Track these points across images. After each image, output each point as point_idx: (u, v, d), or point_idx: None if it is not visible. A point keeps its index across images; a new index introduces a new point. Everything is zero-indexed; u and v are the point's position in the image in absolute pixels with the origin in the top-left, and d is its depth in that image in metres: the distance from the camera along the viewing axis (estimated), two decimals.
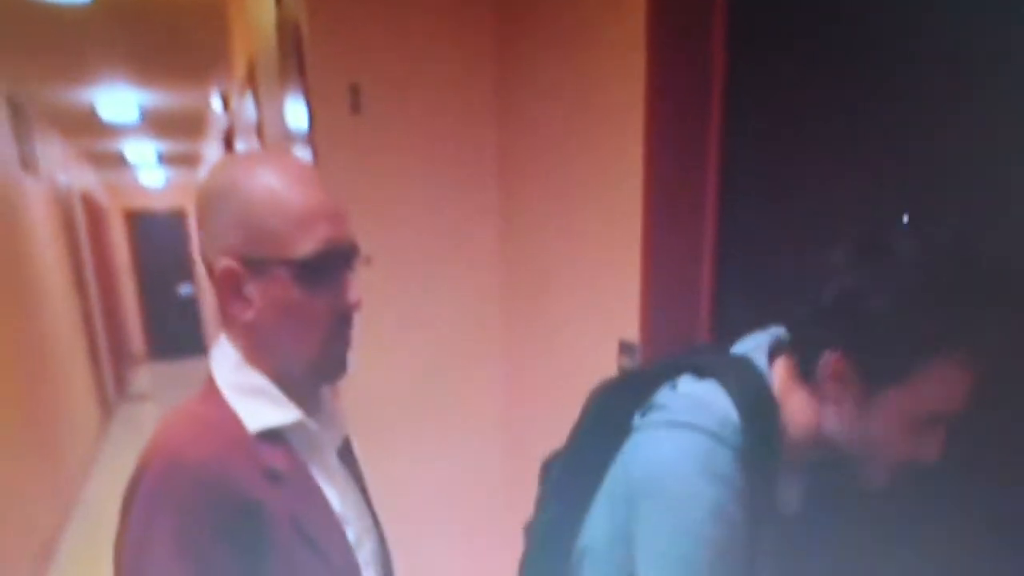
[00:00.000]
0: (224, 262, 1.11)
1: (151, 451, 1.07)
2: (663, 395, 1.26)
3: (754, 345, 1.28)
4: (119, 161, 10.58)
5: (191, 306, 12.91)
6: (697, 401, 1.19)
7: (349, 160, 2.65)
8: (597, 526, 1.32)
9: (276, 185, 1.10)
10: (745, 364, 1.23)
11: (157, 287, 12.75)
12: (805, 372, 1.17)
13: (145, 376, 11.78)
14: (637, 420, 1.27)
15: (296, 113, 2.94)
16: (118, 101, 6.82)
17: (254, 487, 1.08)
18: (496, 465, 3.15)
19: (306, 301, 1.13)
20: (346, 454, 1.36)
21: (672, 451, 1.15)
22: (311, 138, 2.62)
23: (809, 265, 1.57)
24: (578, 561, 1.36)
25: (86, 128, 7.98)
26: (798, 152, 1.76)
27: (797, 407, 1.19)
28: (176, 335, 12.61)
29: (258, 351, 1.17)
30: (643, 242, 1.98)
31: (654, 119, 1.92)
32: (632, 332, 2.07)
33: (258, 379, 1.17)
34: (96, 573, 5.08)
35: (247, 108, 4.36)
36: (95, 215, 10.21)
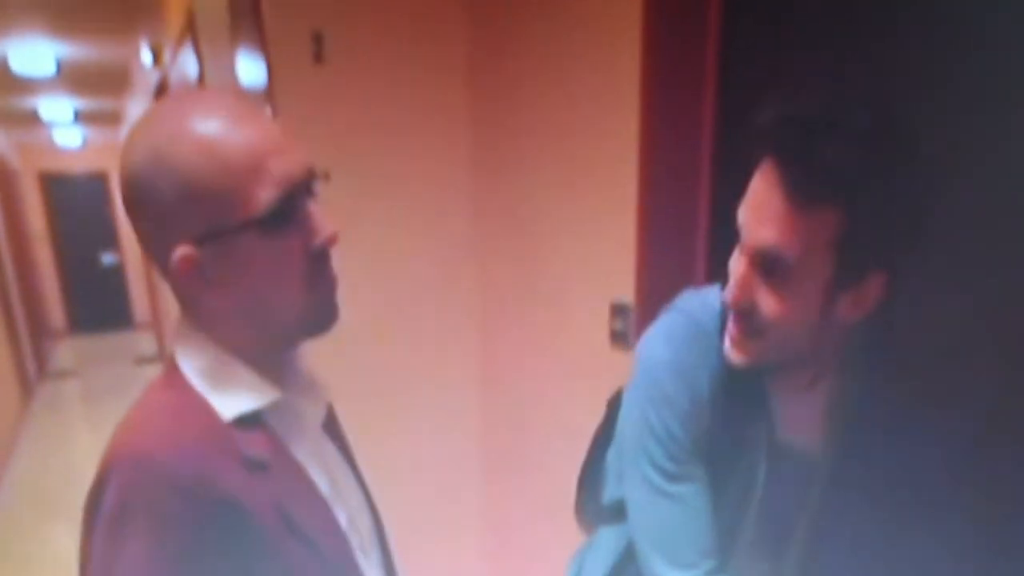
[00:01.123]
0: (178, 252, 1.02)
1: (114, 452, 1.00)
2: (682, 297, 1.42)
3: None
4: (32, 119, 10.30)
5: (115, 276, 12.64)
6: (702, 294, 1.35)
7: (312, 114, 2.61)
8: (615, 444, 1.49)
9: (208, 136, 1.00)
10: None
11: (77, 256, 12.45)
12: (844, 283, 1.18)
13: (67, 352, 11.59)
14: None
15: (250, 66, 2.86)
16: (32, 53, 6.61)
17: (234, 481, 1.02)
18: (477, 428, 3.17)
19: (278, 252, 1.05)
20: (331, 425, 1.33)
21: (658, 327, 1.34)
22: (269, 92, 2.56)
23: None
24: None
25: None
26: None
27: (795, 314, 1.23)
28: (99, 307, 12.39)
29: (231, 331, 1.11)
30: (639, 202, 2.00)
31: (650, 73, 1.92)
32: (625, 294, 2.09)
33: (230, 361, 1.11)
34: (21, 557, 5.06)
35: (185, 61, 4.24)
36: (5, 178, 9.93)
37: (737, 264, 1.19)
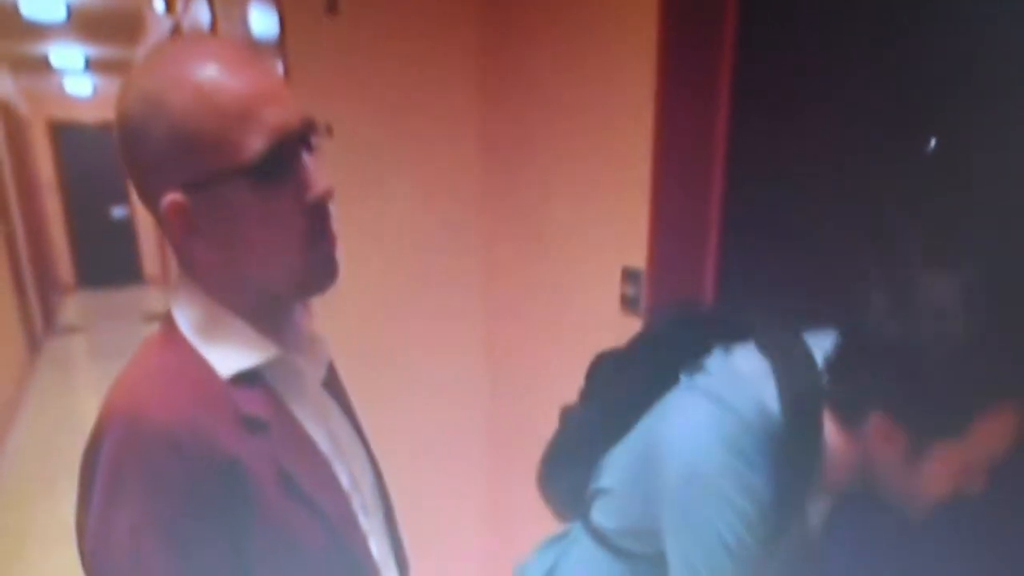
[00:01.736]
0: (167, 199, 1.03)
1: (109, 410, 1.02)
2: (714, 360, 1.36)
3: (816, 343, 1.32)
4: (42, 66, 10.30)
5: (125, 230, 12.62)
6: (741, 380, 1.28)
7: (325, 67, 2.61)
8: (617, 468, 1.46)
9: (203, 82, 1.00)
10: (806, 361, 1.28)
11: (87, 209, 12.43)
12: (847, 419, 1.24)
13: (75, 307, 11.64)
14: (684, 377, 1.38)
15: (263, 15, 2.87)
16: None
17: (232, 441, 1.02)
18: (484, 396, 3.20)
19: (270, 206, 1.05)
20: (332, 384, 1.33)
21: (702, 424, 1.26)
22: (281, 44, 2.57)
23: (816, 199, 1.63)
24: (597, 474, 1.52)
25: (4, 28, 7.73)
26: (812, 78, 1.79)
27: (837, 441, 1.25)
28: (109, 262, 12.39)
29: (226, 284, 1.11)
30: (652, 168, 2.01)
31: (667, 40, 1.93)
32: (637, 259, 2.11)
33: (228, 316, 1.11)
34: (26, 519, 5.16)
35: (198, 10, 4.25)
36: (14, 126, 9.95)
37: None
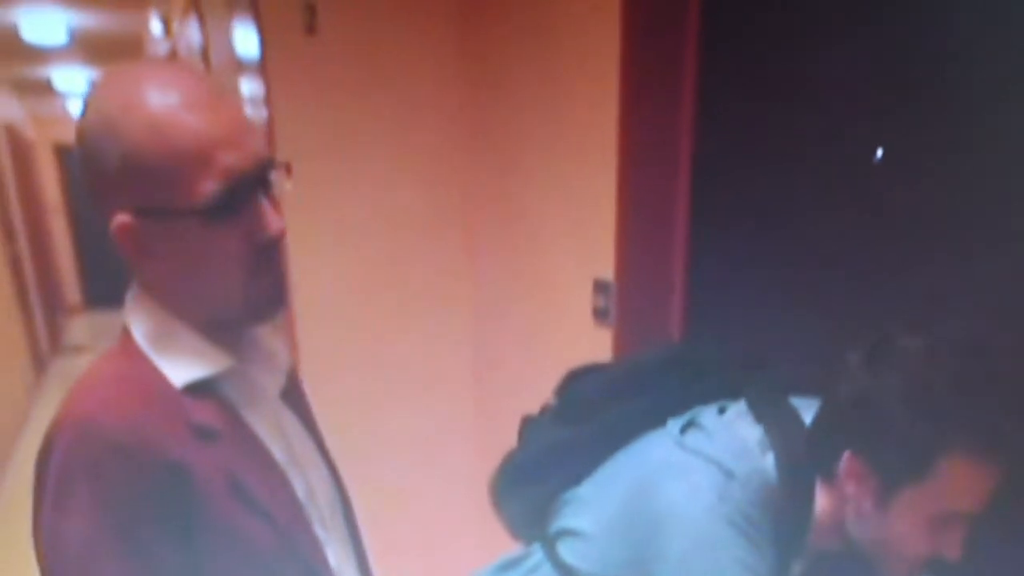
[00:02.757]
0: (117, 219, 1.03)
1: (61, 416, 1.03)
2: (709, 420, 1.36)
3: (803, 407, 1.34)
4: (46, 89, 10.33)
5: None
6: (742, 446, 1.28)
7: (304, 86, 2.66)
8: (598, 514, 1.41)
9: (158, 116, 1.00)
10: (798, 428, 1.30)
11: (93, 229, 12.07)
12: (825, 471, 1.25)
13: (81, 326, 11.66)
14: (674, 429, 1.37)
15: (246, 37, 2.91)
16: (44, 21, 6.59)
17: (181, 448, 1.03)
18: (468, 405, 3.22)
19: (219, 242, 1.06)
20: (292, 395, 1.33)
21: (705, 489, 1.24)
22: (262, 64, 2.61)
23: (783, 200, 1.64)
24: (559, 507, 1.47)
25: (8, 52, 7.75)
26: (775, 87, 1.81)
27: (823, 503, 1.27)
28: (115, 281, 11.77)
29: (177, 300, 1.12)
30: (618, 181, 2.04)
31: (630, 55, 1.96)
32: (607, 271, 2.12)
33: (181, 328, 1.12)
34: (29, 535, 5.13)
35: (191, 32, 4.30)
36: (20, 150, 10.00)
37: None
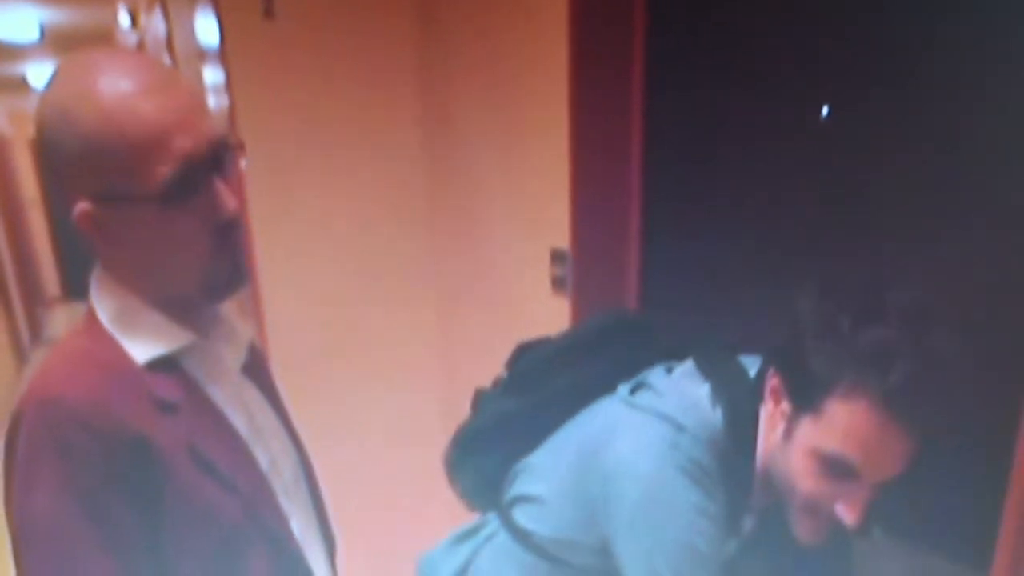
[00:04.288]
0: (77, 207, 1.04)
1: (27, 394, 1.04)
2: (658, 380, 1.36)
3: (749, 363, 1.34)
4: (21, 86, 10.21)
5: None
6: (690, 402, 1.29)
7: (263, 70, 2.63)
8: (550, 478, 1.42)
9: (111, 104, 1.00)
10: (742, 380, 1.31)
11: (70, 222, 12.18)
12: (762, 395, 1.26)
13: (62, 318, 11.54)
14: (623, 392, 1.37)
15: (207, 26, 2.88)
16: (16, 18, 6.53)
17: (143, 420, 1.04)
18: (442, 378, 3.21)
19: (177, 225, 1.06)
20: (254, 369, 1.34)
21: (656, 441, 1.25)
22: (221, 50, 2.58)
23: (735, 169, 1.65)
24: (513, 476, 1.50)
25: None
26: (724, 58, 1.82)
27: (760, 444, 1.27)
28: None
29: (139, 281, 1.13)
30: (571, 150, 2.03)
31: (579, 28, 1.96)
32: (563, 240, 2.12)
33: (142, 306, 1.13)
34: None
35: (156, 23, 4.25)
36: None
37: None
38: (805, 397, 1.14)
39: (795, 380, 1.16)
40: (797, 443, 1.16)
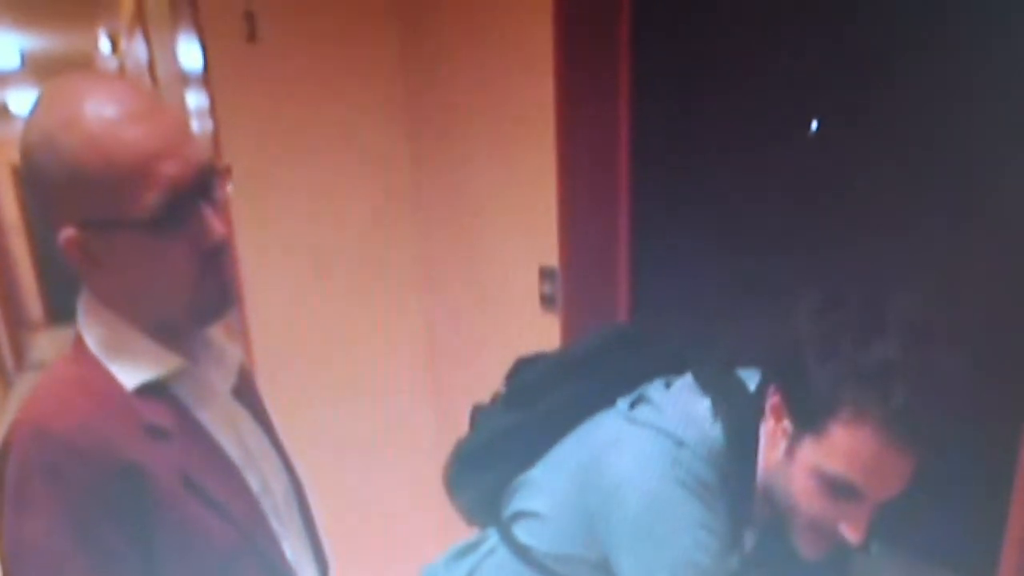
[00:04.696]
0: (64, 233, 1.03)
1: (16, 421, 1.03)
2: (657, 394, 1.35)
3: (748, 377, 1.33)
4: (2, 112, 10.17)
5: None
6: (690, 417, 1.27)
7: (248, 94, 2.62)
8: (550, 494, 1.41)
9: (97, 130, 0.99)
10: (742, 395, 1.29)
11: (53, 246, 11.80)
12: (762, 412, 1.25)
13: (45, 343, 11.45)
14: (623, 406, 1.36)
15: (189, 50, 2.86)
16: None
17: (134, 448, 1.03)
18: (419, 398, 3.20)
19: (164, 250, 1.05)
20: (244, 391, 1.32)
21: (656, 456, 1.24)
22: (205, 74, 2.57)
23: (724, 182, 1.64)
24: (513, 491, 1.48)
25: None
26: (711, 70, 1.81)
27: (761, 460, 1.26)
28: (77, 297, 11.95)
29: (126, 306, 1.11)
30: (558, 166, 2.03)
31: (564, 43, 1.96)
32: (552, 258, 2.12)
33: (130, 332, 1.11)
34: None
35: (137, 49, 4.24)
36: None
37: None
38: (807, 417, 1.13)
39: (797, 399, 1.15)
40: (799, 462, 1.15)
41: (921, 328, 1.07)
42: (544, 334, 2.20)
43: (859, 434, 1.06)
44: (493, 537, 1.52)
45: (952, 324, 1.14)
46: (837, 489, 1.11)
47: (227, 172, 1.19)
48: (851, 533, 1.13)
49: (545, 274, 2.21)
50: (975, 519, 1.39)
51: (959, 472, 1.16)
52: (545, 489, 1.43)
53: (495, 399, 1.60)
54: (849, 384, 1.06)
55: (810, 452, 1.13)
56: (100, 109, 1.00)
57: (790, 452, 1.17)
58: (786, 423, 1.18)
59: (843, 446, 1.08)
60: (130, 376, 1.09)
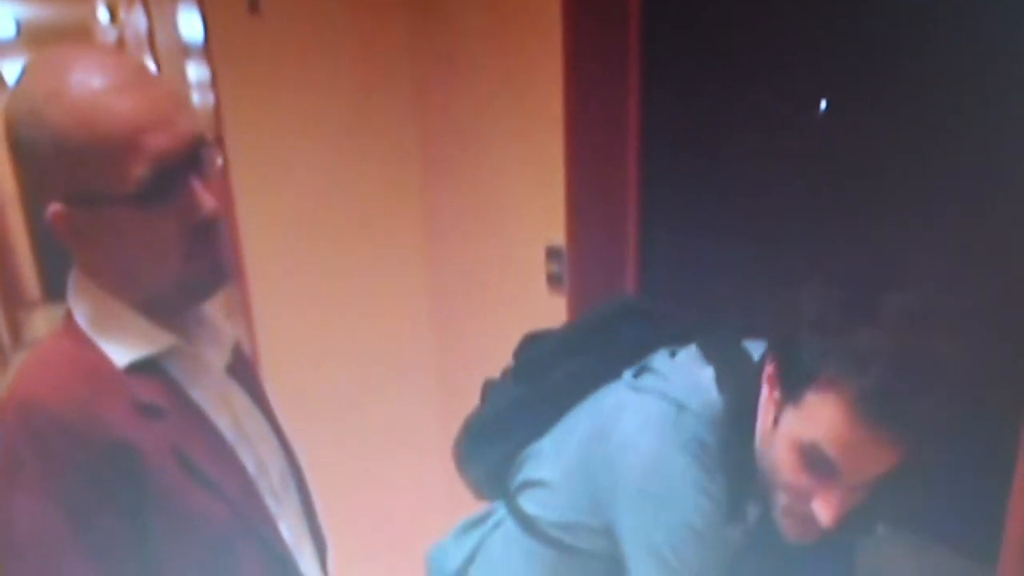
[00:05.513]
0: (52, 208, 1.02)
1: (6, 398, 1.03)
2: (662, 363, 1.36)
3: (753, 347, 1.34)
4: None
5: None
6: (694, 383, 1.28)
7: (249, 67, 2.59)
8: (557, 462, 1.43)
9: (83, 102, 0.98)
10: (745, 364, 1.30)
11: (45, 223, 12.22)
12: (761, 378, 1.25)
13: (42, 320, 11.45)
14: (628, 376, 1.38)
15: (190, 21, 2.84)
16: None
17: (126, 425, 1.03)
18: (428, 382, 3.20)
19: (153, 225, 1.05)
20: (240, 370, 1.32)
21: (658, 421, 1.26)
22: (206, 46, 2.55)
23: (733, 161, 1.63)
24: (521, 463, 1.51)
25: None
26: (721, 48, 1.81)
27: (762, 413, 1.26)
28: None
29: (116, 282, 1.11)
30: (566, 146, 2.02)
31: (574, 21, 1.95)
32: (559, 237, 2.11)
33: (120, 308, 1.11)
34: None
35: (137, 19, 4.21)
36: None
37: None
38: (791, 386, 1.14)
39: (786, 369, 1.16)
40: (781, 432, 1.16)
41: (920, 315, 1.06)
42: (551, 314, 2.20)
43: (828, 405, 1.07)
44: (500, 510, 1.54)
45: (959, 312, 1.14)
46: (813, 461, 1.11)
47: (219, 144, 1.18)
48: (823, 509, 1.12)
49: (552, 253, 2.20)
50: (982, 501, 1.39)
51: (966, 454, 1.15)
52: (552, 458, 1.45)
53: (505, 373, 1.63)
54: (830, 358, 1.07)
55: (790, 421, 1.14)
56: (86, 80, 0.99)
57: (776, 422, 1.17)
58: (776, 393, 1.18)
59: (815, 416, 1.09)
60: (121, 354, 1.09)
